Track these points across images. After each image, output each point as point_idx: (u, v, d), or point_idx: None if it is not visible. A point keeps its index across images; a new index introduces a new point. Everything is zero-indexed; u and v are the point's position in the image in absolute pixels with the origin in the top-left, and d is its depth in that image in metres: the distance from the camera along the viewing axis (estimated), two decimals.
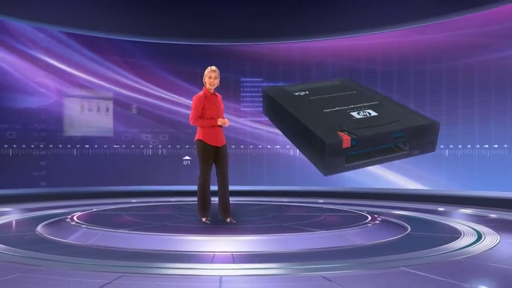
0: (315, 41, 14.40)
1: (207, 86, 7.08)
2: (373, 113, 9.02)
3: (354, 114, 8.88)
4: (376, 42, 13.88)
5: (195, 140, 7.15)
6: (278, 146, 14.47)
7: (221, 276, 4.55)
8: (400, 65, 13.62)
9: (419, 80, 13.36)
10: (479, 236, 6.80)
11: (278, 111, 9.59)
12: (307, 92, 9.66)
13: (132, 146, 14.34)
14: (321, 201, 11.71)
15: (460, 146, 12.68)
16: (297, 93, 9.36)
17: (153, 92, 14.52)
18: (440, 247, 6.01)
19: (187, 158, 14.31)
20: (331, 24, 13.82)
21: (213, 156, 7.11)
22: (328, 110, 9.06)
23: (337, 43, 14.31)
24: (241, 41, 14.57)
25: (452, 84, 12.92)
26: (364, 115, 8.86)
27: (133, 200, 11.85)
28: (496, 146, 12.19)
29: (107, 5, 13.41)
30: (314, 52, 14.47)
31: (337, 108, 9.12)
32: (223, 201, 7.18)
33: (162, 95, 14.55)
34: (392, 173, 13.61)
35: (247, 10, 13.80)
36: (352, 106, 9.16)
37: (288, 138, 10.15)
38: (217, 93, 7.21)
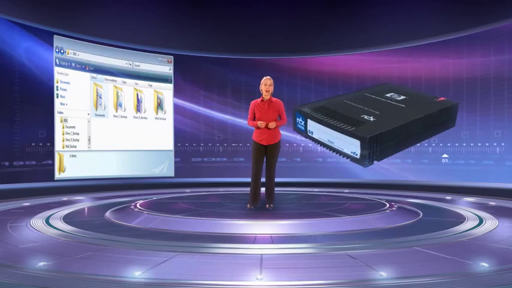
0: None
1: (263, 93, 7.12)
2: (400, 94, 8.87)
3: (400, 98, 8.69)
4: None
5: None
6: (310, 145, 14.41)
7: (262, 254, 4.59)
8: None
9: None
10: (481, 221, 6.73)
11: (401, 133, 8.56)
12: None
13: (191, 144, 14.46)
14: (346, 191, 11.66)
15: (464, 144, 12.51)
16: (366, 117, 8.55)
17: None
18: (447, 230, 5.96)
19: (445, 156, 14.23)
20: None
21: (264, 152, 7.20)
22: (403, 105, 8.71)
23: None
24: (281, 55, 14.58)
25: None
26: (407, 96, 8.74)
27: (187, 190, 11.91)
28: (495, 144, 12.01)
29: (166, 22, 13.58)
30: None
31: (391, 102, 8.81)
32: (268, 190, 7.26)
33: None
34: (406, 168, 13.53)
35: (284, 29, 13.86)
36: (385, 99, 8.88)
37: (417, 142, 9.49)
38: (273, 100, 7.16)
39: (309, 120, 8.12)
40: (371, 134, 7.64)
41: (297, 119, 8.41)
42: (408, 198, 9.93)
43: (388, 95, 8.75)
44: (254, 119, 7.16)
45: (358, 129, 7.73)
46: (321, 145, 8.60)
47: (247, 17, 13.88)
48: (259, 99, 7.14)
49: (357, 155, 7.78)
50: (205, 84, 14.51)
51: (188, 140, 14.39)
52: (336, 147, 8.09)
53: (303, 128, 8.45)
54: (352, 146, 7.64)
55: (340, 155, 8.30)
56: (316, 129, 8.15)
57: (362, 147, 7.53)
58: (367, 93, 9.07)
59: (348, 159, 8.33)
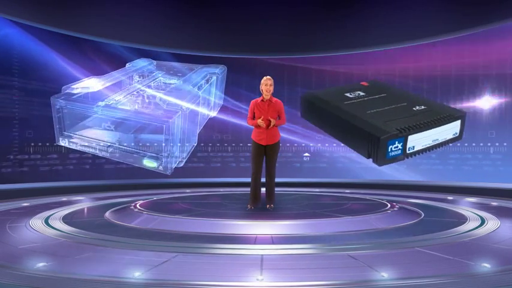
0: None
1: (264, 93, 7.10)
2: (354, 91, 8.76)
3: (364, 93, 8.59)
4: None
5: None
6: (311, 144, 14.43)
7: (262, 255, 4.58)
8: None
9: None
10: (483, 221, 6.72)
11: None
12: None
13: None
14: (347, 191, 11.65)
15: (466, 144, 12.51)
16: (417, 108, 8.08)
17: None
18: (449, 230, 5.96)
19: (307, 154, 14.21)
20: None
21: (263, 152, 7.20)
22: (385, 94, 8.63)
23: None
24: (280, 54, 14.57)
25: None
26: (362, 91, 8.63)
27: (187, 190, 11.89)
28: (497, 144, 12.02)
29: (166, 21, 13.58)
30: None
31: (376, 96, 8.70)
32: (268, 190, 7.26)
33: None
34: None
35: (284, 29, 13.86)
36: (368, 98, 8.71)
37: None
38: (273, 100, 7.16)
39: (409, 137, 7.69)
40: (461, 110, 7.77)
41: (390, 147, 7.63)
42: (409, 198, 9.92)
43: (351, 95, 8.61)
44: (254, 118, 7.15)
45: (450, 112, 7.70)
46: (424, 152, 8.25)
47: (246, 16, 13.88)
48: (259, 99, 7.13)
49: (457, 134, 7.73)
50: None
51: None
52: (441, 141, 7.93)
53: (400, 151, 7.84)
54: (452, 129, 7.55)
55: (442, 146, 8.15)
56: (417, 141, 7.77)
57: (462, 124, 7.54)
58: (346, 102, 8.73)
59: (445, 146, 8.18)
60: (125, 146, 11.67)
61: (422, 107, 7.85)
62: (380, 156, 7.24)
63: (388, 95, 8.43)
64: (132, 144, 11.62)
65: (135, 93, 12.12)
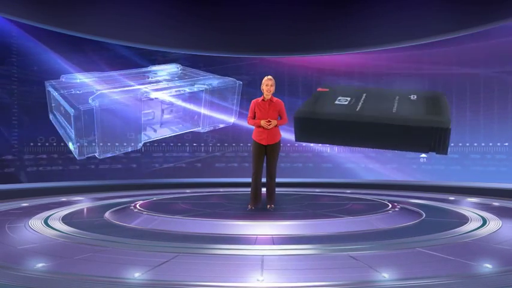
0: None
1: (264, 92, 7.09)
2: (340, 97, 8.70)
3: (350, 99, 8.50)
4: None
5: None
6: (312, 144, 14.41)
7: (263, 255, 4.57)
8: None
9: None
10: (484, 221, 6.71)
11: None
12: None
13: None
14: (348, 191, 11.63)
15: (467, 144, 12.51)
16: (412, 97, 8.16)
17: None
18: (450, 231, 5.94)
19: (423, 155, 14.02)
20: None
21: (264, 152, 7.18)
22: (366, 93, 8.59)
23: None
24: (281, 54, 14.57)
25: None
26: (347, 96, 8.54)
27: (188, 190, 11.88)
28: (498, 144, 12.02)
29: (168, 22, 13.57)
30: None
31: (360, 101, 8.64)
32: (269, 190, 7.24)
33: None
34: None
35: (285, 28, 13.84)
36: (357, 98, 8.67)
37: None
38: (274, 99, 7.14)
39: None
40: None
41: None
42: (410, 198, 9.91)
43: (343, 102, 8.55)
44: (254, 118, 7.13)
45: (438, 93, 7.94)
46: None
47: (246, 16, 13.87)
48: (260, 98, 7.12)
49: None
50: None
51: (188, 139, 14.37)
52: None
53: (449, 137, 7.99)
54: None
55: None
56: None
57: None
58: (357, 109, 8.65)
59: None
60: (64, 127, 12.23)
61: (415, 96, 7.94)
62: (446, 145, 7.35)
63: (368, 94, 8.44)
64: (68, 127, 12.04)
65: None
